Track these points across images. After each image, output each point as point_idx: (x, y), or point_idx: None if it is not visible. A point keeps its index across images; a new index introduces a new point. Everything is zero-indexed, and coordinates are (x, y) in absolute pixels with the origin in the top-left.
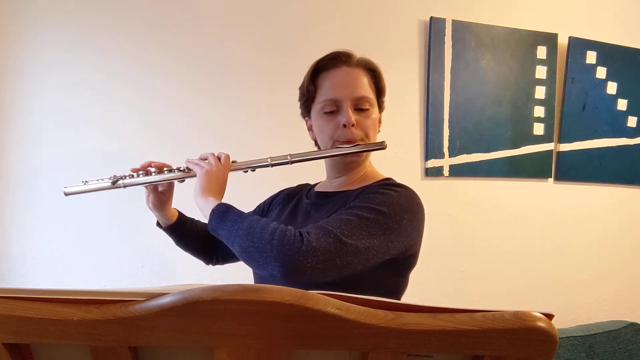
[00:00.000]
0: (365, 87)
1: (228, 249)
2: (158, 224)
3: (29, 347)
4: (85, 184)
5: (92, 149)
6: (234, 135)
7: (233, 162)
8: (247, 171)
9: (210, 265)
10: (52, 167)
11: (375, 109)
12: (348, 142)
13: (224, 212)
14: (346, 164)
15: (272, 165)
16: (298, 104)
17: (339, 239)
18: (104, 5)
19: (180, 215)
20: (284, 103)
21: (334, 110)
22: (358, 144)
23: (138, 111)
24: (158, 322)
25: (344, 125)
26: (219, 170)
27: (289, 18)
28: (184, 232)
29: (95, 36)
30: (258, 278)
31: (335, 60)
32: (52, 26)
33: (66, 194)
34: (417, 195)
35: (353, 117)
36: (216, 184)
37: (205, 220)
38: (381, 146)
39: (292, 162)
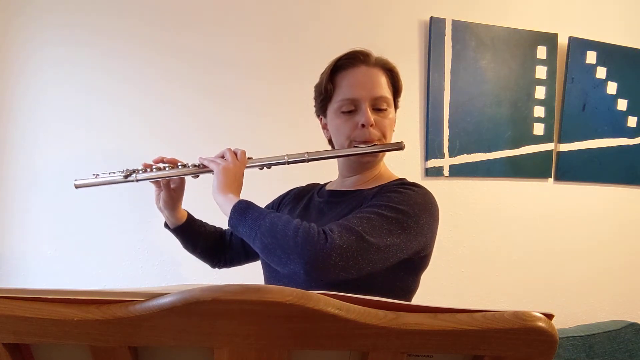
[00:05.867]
0: (383, 87)
1: (236, 251)
2: (166, 226)
3: (29, 347)
4: (96, 177)
5: (93, 148)
6: (237, 134)
7: (249, 158)
8: (262, 168)
9: (217, 268)
10: (53, 166)
11: (392, 109)
12: (365, 142)
13: (244, 208)
14: (362, 163)
15: (289, 162)
16: (303, 103)
17: (362, 236)
18: (105, 4)
19: (189, 215)
20: (288, 102)
21: (352, 109)
22: (376, 144)
23: (140, 111)
24: (158, 322)
25: (363, 126)
26: (236, 167)
27: (289, 18)
28: (193, 233)
29: (97, 35)
30: (272, 279)
31: (354, 60)
32: (52, 25)
33: (76, 187)
34: (432, 195)
35: (372, 117)
36: (234, 180)
37: (216, 217)
38: (399, 147)
39: (308, 160)
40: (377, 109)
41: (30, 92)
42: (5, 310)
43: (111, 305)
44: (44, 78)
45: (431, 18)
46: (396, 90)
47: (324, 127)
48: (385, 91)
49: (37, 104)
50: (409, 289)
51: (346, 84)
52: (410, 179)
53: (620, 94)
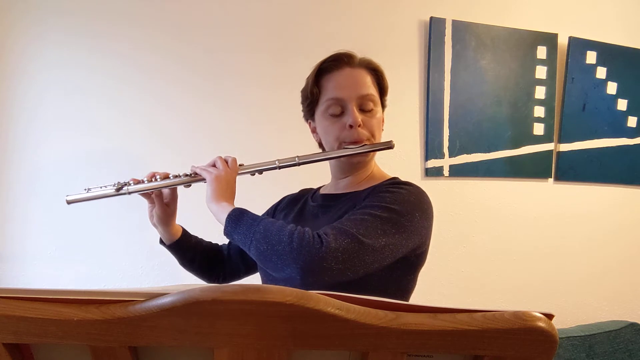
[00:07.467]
0: (369, 86)
1: (235, 264)
2: (161, 242)
3: (29, 347)
4: (88, 192)
5: (93, 151)
6: (235, 138)
7: (240, 165)
8: (254, 174)
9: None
10: (53, 168)
11: (379, 108)
12: (354, 142)
13: (238, 216)
14: (353, 164)
15: (280, 167)
16: (300, 107)
17: (357, 238)
18: (106, 9)
19: (185, 231)
20: (286, 106)
21: (338, 111)
22: (365, 144)
23: (140, 114)
24: (158, 322)
25: (350, 126)
26: (228, 174)
27: (288, 19)
28: (189, 249)
29: (97, 39)
30: (268, 281)
31: (338, 62)
32: (53, 29)
33: (68, 202)
34: (425, 192)
35: (359, 117)
36: (227, 188)
37: (212, 227)
38: (388, 145)
39: (299, 164)
40: (363, 109)
41: (32, 94)
42: (5, 310)
43: (111, 305)
44: (45, 80)
45: (431, 18)
46: (382, 89)
47: (313, 130)
48: (371, 90)
49: (38, 106)
50: (406, 288)
51: (331, 86)
52: (410, 179)
53: (620, 94)
